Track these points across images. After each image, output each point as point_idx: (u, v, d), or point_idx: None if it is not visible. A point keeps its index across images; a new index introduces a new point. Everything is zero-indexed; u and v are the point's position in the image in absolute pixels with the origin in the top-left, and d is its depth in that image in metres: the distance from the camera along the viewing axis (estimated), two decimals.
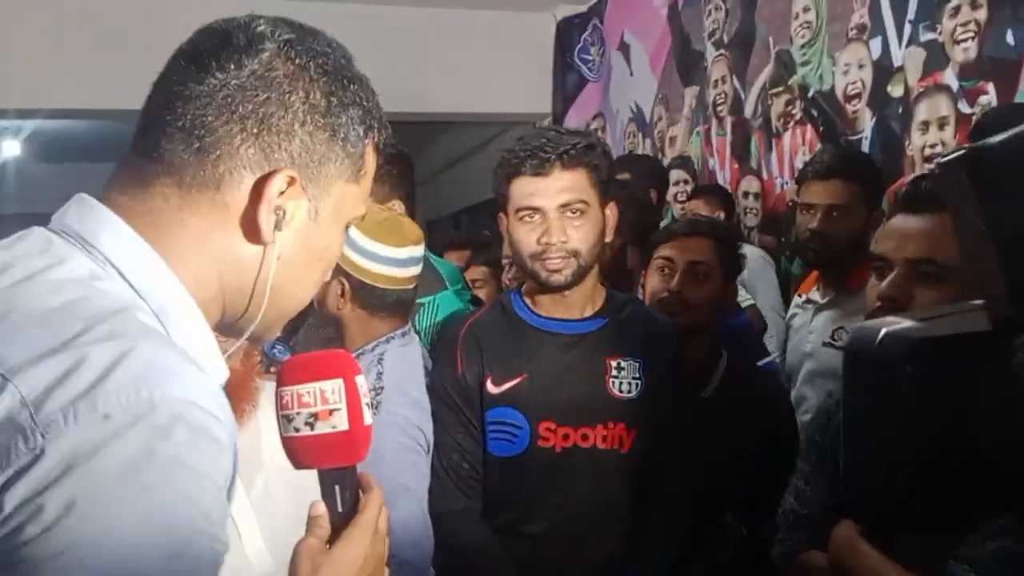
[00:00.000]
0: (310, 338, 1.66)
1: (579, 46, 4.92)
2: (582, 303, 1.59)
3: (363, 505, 0.87)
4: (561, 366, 1.58)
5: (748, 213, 3.43)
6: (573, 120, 5.01)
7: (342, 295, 1.61)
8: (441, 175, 7.62)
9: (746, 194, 3.45)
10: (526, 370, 1.57)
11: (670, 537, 1.57)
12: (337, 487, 0.86)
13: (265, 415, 1.27)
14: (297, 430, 0.84)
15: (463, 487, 1.56)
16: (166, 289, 0.72)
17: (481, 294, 2.70)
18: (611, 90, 4.65)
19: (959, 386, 0.57)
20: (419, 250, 1.66)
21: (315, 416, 0.84)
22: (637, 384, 1.57)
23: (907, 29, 2.67)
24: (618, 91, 4.57)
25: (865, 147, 2.81)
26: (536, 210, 1.52)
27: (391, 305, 1.63)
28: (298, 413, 0.85)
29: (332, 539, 0.84)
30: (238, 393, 1.17)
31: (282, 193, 0.75)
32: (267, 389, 1.30)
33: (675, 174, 3.88)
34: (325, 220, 0.79)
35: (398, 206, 2.09)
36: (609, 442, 1.55)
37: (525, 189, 1.52)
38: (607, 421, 1.55)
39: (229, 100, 0.72)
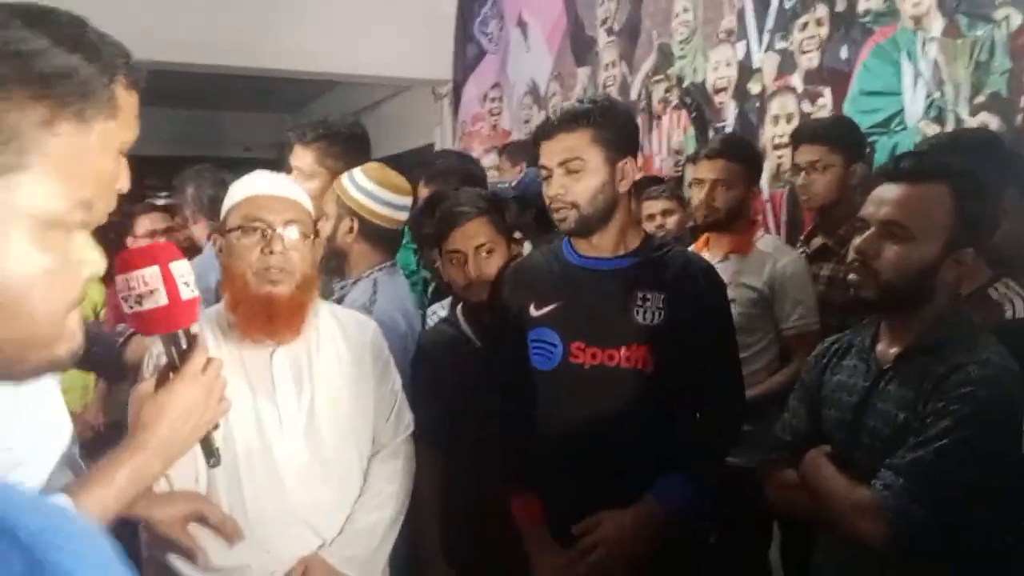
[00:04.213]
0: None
1: (479, 18, 5.26)
2: (612, 244, 1.77)
3: (187, 360, 1.11)
4: (592, 295, 1.75)
5: None
6: (472, 89, 5.37)
7: (350, 231, 2.05)
8: None
9: None
10: (562, 298, 1.78)
11: (708, 444, 1.76)
12: (172, 347, 1.15)
13: (319, 333, 1.64)
14: (131, 308, 1.10)
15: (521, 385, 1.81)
16: None
17: None
18: (509, 63, 5.04)
19: None
20: (409, 199, 2.13)
21: (141, 296, 1.09)
22: (661, 313, 1.72)
23: (766, 37, 3.22)
24: (515, 65, 4.97)
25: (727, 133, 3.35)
26: (546, 168, 1.74)
27: (388, 240, 2.10)
28: (128, 296, 1.09)
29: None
30: (293, 315, 1.54)
31: None
32: (323, 314, 1.67)
33: None
34: None
35: None
36: (633, 363, 1.71)
37: (540, 152, 1.76)
38: (631, 343, 1.71)
39: None
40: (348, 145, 2.39)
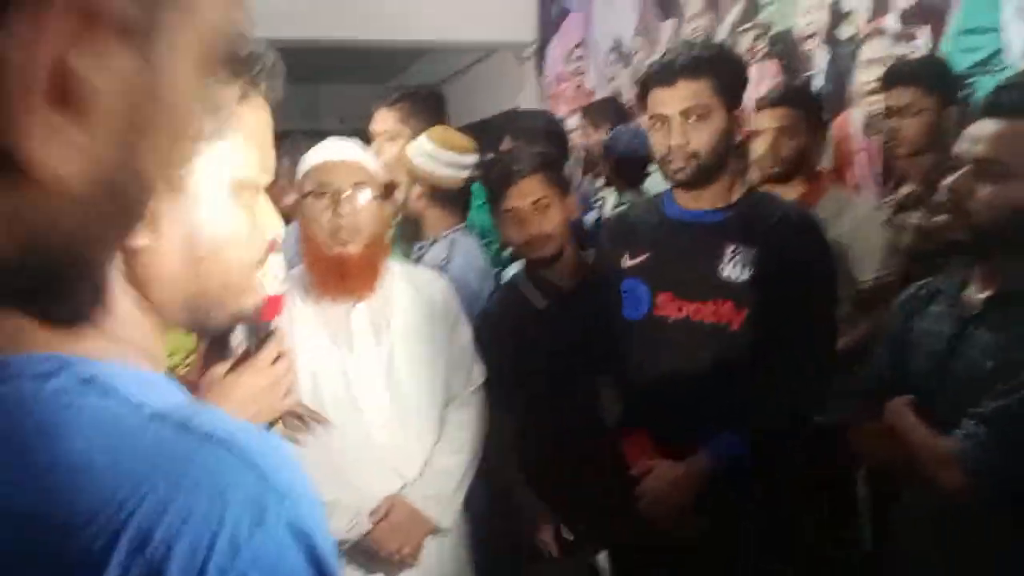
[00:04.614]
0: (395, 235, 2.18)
1: None
2: (713, 197, 1.76)
3: (259, 351, 1.17)
4: (683, 248, 1.77)
5: None
6: (556, 49, 5.34)
7: (420, 196, 2.14)
8: None
9: None
10: (654, 249, 1.80)
11: (775, 410, 1.72)
12: (252, 336, 1.21)
13: (392, 290, 1.71)
14: None
15: (612, 333, 1.86)
16: None
17: None
18: (593, 20, 4.98)
19: None
20: (471, 157, 2.20)
21: None
22: (749, 269, 1.70)
23: None
24: (600, 22, 4.91)
25: (820, 81, 3.24)
26: (663, 117, 1.70)
27: (457, 201, 2.18)
28: None
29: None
30: (364, 273, 1.63)
31: None
32: (395, 272, 1.75)
33: None
34: None
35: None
36: (717, 317, 1.72)
37: (655, 99, 1.72)
38: (716, 299, 1.71)
39: None
40: (427, 104, 2.50)
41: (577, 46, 5.14)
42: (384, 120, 2.49)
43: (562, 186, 2.00)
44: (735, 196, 1.77)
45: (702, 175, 1.71)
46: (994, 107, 1.38)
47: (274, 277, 1.16)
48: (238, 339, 1.59)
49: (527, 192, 1.93)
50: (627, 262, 1.82)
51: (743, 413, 1.70)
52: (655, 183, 2.96)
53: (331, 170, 1.64)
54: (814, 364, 1.75)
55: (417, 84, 2.63)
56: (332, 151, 1.69)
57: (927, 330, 1.51)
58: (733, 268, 1.71)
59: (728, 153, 1.73)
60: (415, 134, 2.37)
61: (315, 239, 1.63)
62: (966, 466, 1.31)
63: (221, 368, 1.20)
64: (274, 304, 1.19)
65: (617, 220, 1.95)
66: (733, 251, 1.71)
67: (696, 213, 1.77)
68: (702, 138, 1.68)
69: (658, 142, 1.73)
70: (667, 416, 1.75)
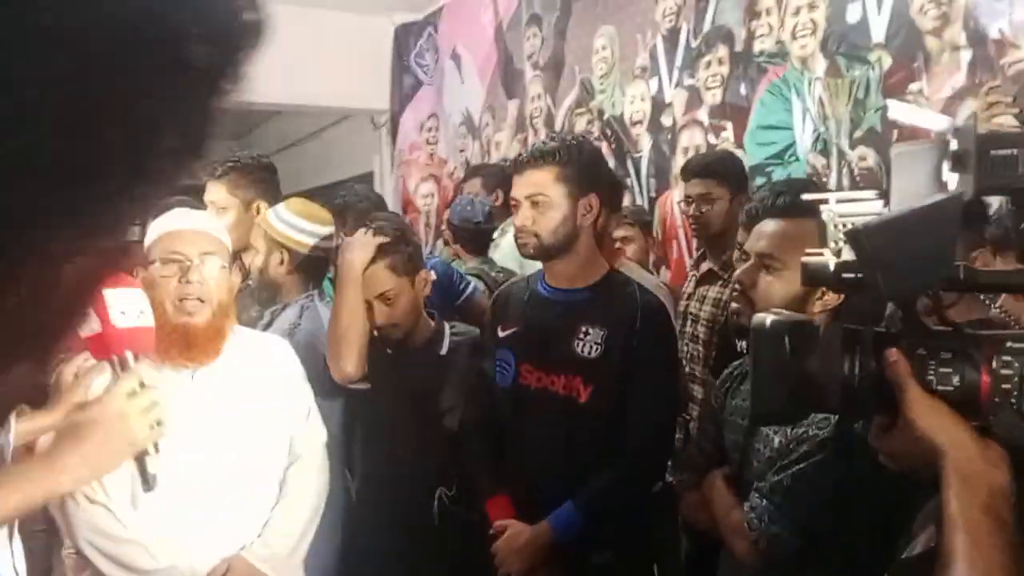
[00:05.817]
0: (249, 299, 2.22)
1: (415, 51, 5.44)
2: (571, 277, 1.93)
3: (114, 385, 1.20)
4: (545, 323, 1.92)
5: None
6: (409, 119, 5.54)
7: (281, 263, 2.21)
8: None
9: None
10: (520, 323, 1.95)
11: (610, 484, 1.84)
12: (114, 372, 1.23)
13: (234, 355, 1.77)
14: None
15: (482, 397, 2.02)
16: None
17: None
18: (444, 94, 5.22)
19: None
20: (331, 228, 2.31)
21: None
22: (599, 348, 1.86)
23: (675, 74, 3.46)
24: (450, 96, 5.16)
25: (644, 164, 3.58)
26: (516, 201, 1.92)
27: (315, 268, 2.30)
28: None
29: None
30: (209, 341, 1.68)
31: None
32: (239, 337, 1.81)
33: None
34: None
35: (263, 206, 2.51)
36: (569, 390, 1.87)
37: (513, 183, 1.94)
38: (568, 373, 1.87)
39: None
40: (257, 175, 2.52)
41: (429, 117, 5.36)
42: (215, 191, 2.49)
43: (409, 272, 2.12)
44: (595, 278, 1.95)
45: (543, 253, 1.91)
46: (772, 208, 1.54)
47: (120, 312, 1.18)
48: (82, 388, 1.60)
49: (374, 284, 2.08)
50: (501, 332, 1.99)
51: (586, 482, 1.84)
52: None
53: (179, 238, 1.69)
54: (652, 441, 1.90)
55: (271, 145, 2.64)
56: (181, 220, 1.74)
57: (738, 407, 1.67)
58: (585, 346, 1.88)
59: (575, 235, 1.90)
60: (246, 204, 2.43)
61: (160, 306, 1.66)
62: (749, 535, 1.47)
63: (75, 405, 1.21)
64: (127, 336, 1.20)
65: (499, 294, 2.14)
66: (585, 330, 1.88)
67: (558, 291, 1.95)
68: (543, 221, 1.88)
69: (514, 222, 1.96)
70: (528, 479, 1.90)
